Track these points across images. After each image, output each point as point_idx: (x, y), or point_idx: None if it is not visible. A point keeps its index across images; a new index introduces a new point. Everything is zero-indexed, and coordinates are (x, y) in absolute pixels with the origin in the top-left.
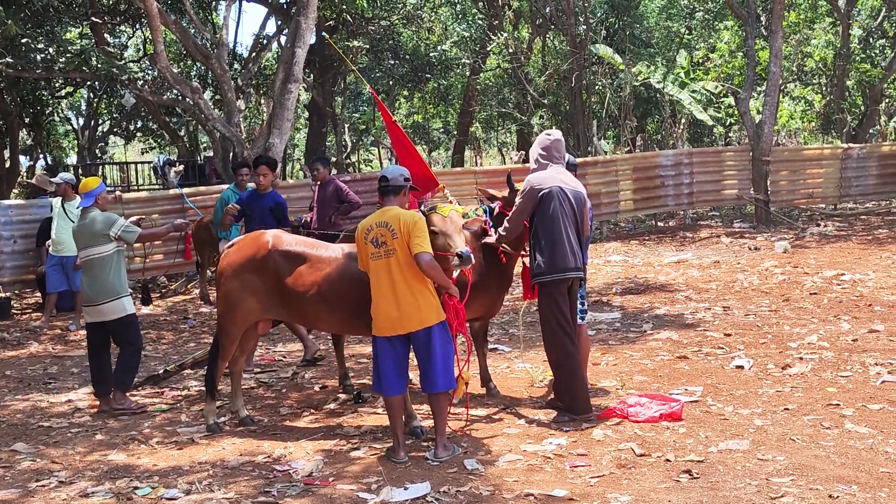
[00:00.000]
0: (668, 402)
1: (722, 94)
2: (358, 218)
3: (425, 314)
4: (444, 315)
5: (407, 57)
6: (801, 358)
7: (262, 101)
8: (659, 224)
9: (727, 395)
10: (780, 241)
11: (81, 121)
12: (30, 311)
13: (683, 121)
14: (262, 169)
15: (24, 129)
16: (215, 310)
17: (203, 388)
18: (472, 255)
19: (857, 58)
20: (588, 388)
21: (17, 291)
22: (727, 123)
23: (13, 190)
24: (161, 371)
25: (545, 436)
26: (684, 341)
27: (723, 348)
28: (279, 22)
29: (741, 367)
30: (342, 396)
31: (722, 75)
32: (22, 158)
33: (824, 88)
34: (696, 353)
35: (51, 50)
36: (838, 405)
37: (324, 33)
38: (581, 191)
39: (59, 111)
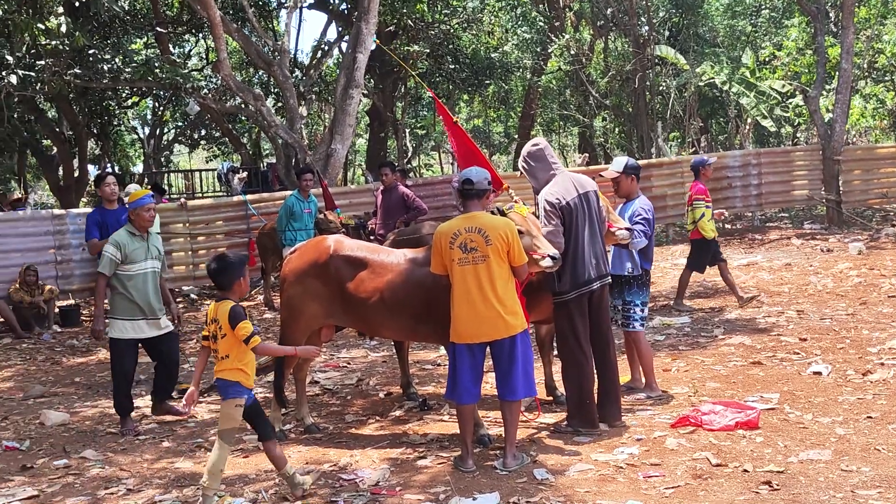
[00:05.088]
0: (743, 409)
1: (789, 94)
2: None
3: (511, 322)
4: (527, 323)
5: (467, 61)
6: (882, 363)
7: (324, 108)
8: (726, 226)
9: (805, 402)
10: (854, 242)
11: (147, 130)
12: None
13: (749, 121)
14: (109, 178)
15: (92, 139)
16: (279, 316)
17: (268, 395)
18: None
19: None
20: (595, 404)
21: (86, 299)
22: (795, 123)
23: (82, 199)
24: None
25: (616, 444)
26: (758, 346)
27: (799, 354)
28: (340, 28)
29: (819, 374)
30: (408, 403)
31: (789, 73)
32: (90, 167)
33: None
34: (771, 359)
35: (117, 60)
36: None
37: (374, 38)
38: (592, 185)
39: (126, 121)
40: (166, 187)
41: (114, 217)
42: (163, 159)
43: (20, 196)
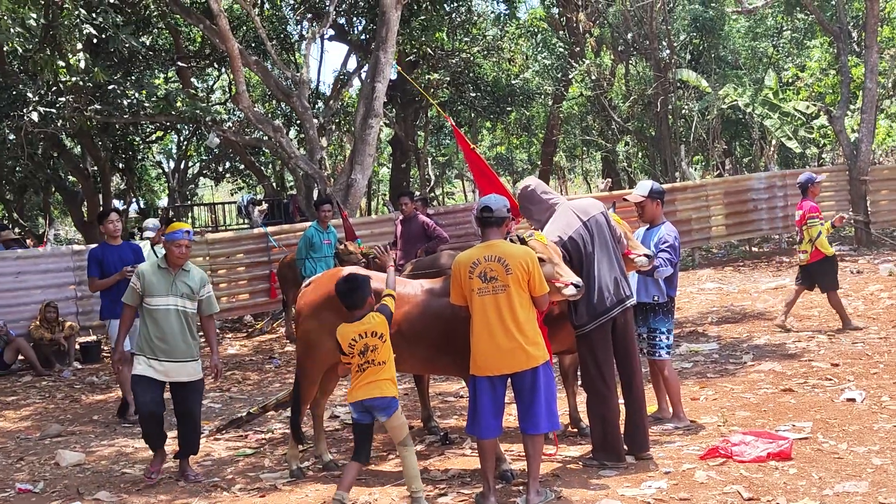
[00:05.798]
0: (775, 439)
1: (814, 115)
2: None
3: (533, 353)
4: (549, 355)
5: (488, 88)
6: None
7: (344, 138)
8: (753, 249)
9: (839, 430)
10: (885, 263)
11: (172, 164)
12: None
13: (774, 142)
14: (112, 216)
15: (117, 174)
16: None
17: (286, 431)
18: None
19: None
20: (621, 436)
21: (107, 335)
22: (820, 144)
23: None
24: (244, 414)
25: (644, 478)
26: (788, 373)
27: (831, 380)
28: (359, 59)
29: (853, 400)
30: (429, 438)
31: (813, 94)
32: (116, 202)
33: None
34: (802, 386)
35: (137, 95)
36: None
37: (394, 63)
38: (597, 208)
39: (151, 155)
40: (190, 221)
41: (116, 254)
42: (188, 193)
43: (15, 236)
